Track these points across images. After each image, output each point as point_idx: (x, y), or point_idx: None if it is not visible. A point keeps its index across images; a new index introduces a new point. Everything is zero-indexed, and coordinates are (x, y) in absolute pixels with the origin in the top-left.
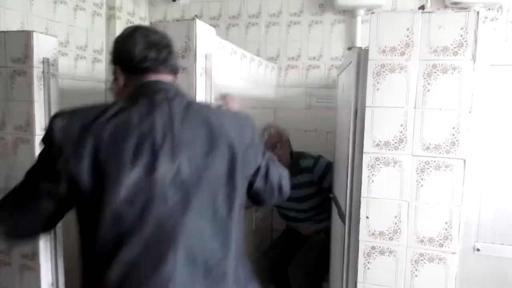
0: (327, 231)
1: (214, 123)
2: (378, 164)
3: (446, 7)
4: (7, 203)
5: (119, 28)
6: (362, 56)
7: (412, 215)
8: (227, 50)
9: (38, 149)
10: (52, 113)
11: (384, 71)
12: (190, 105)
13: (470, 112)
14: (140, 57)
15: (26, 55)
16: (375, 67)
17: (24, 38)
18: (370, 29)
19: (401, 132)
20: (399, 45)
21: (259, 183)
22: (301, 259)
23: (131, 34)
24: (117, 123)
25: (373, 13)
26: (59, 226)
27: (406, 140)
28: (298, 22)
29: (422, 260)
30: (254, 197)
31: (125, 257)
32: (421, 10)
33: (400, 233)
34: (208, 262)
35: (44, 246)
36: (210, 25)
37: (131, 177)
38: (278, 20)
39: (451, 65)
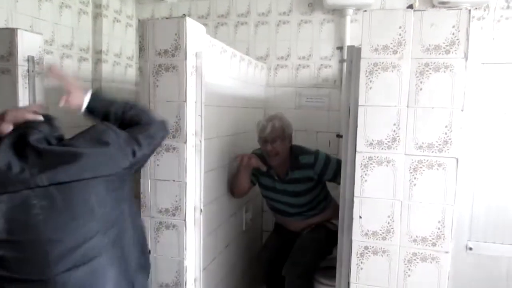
0: (316, 227)
1: None
2: (371, 164)
3: (433, 6)
4: None
5: (105, 27)
6: (354, 55)
7: (405, 215)
8: (217, 49)
9: None
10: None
11: (376, 70)
12: None
13: (462, 110)
14: None
15: (10, 53)
16: (367, 65)
17: (8, 35)
18: (363, 28)
19: (394, 131)
20: (391, 43)
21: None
22: (295, 258)
23: None
24: None
25: (365, 11)
26: None
27: (399, 139)
28: (287, 21)
29: (415, 259)
30: None
31: None
32: (413, 9)
33: (393, 233)
34: None
35: None
36: None
37: None
38: (267, 19)
39: (443, 63)
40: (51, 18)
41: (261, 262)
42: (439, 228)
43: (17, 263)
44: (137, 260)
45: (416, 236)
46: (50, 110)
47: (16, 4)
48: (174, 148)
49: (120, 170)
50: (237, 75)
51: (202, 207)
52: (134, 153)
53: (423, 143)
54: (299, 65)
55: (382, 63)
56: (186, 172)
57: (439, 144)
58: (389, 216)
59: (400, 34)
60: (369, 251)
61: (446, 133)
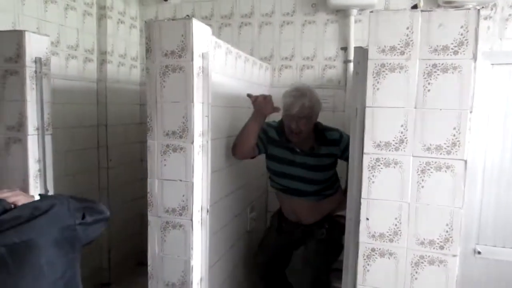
0: (331, 223)
1: None
2: (379, 165)
3: (438, 6)
4: None
5: (110, 28)
6: (361, 56)
7: (412, 217)
8: (222, 50)
9: (31, 148)
10: (46, 113)
11: (384, 71)
12: None
13: (471, 112)
14: None
15: (18, 54)
16: (374, 66)
17: (16, 37)
18: (370, 28)
19: (402, 132)
20: (398, 44)
21: None
22: (308, 269)
23: None
24: None
25: (371, 11)
26: None
27: (407, 140)
28: (291, 22)
29: (422, 262)
30: None
31: None
32: (418, 9)
33: (400, 235)
34: None
35: None
36: None
37: None
38: (271, 20)
39: (452, 64)
40: (57, 20)
41: (258, 265)
42: (447, 231)
43: None
44: None
45: (424, 239)
46: (56, 109)
47: (23, 6)
48: (181, 148)
49: (66, 226)
50: (242, 76)
51: (208, 207)
52: (83, 216)
53: (431, 144)
54: (304, 65)
55: (390, 64)
56: (193, 172)
57: (448, 146)
58: (396, 218)
59: (407, 35)
60: (376, 253)
61: (454, 135)
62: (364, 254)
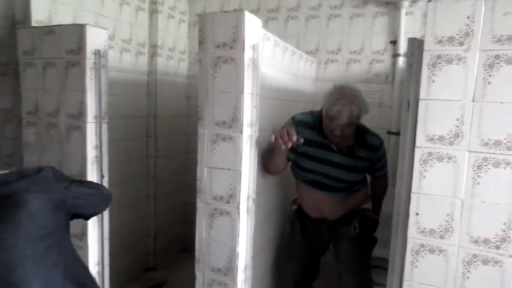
0: (361, 219)
1: None
2: (431, 159)
3: None
4: None
5: (161, 22)
6: (416, 47)
7: (466, 214)
8: (271, 42)
9: (89, 136)
10: (103, 102)
11: (440, 63)
12: None
13: None
14: None
15: (80, 47)
16: (430, 58)
17: (78, 31)
18: (427, 19)
19: (457, 126)
20: (457, 34)
21: None
22: (351, 278)
23: None
24: None
25: (429, 1)
26: (106, 210)
27: (463, 135)
28: (339, 15)
29: (475, 261)
30: None
31: None
32: None
33: (452, 232)
34: None
35: (92, 227)
36: None
37: None
38: (318, 13)
39: None
40: (113, 15)
41: (289, 275)
42: (504, 230)
43: None
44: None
45: (478, 237)
46: (110, 100)
47: (82, 2)
48: (230, 138)
49: (52, 188)
50: (288, 69)
51: (254, 197)
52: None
53: (489, 139)
54: (350, 59)
55: (447, 55)
56: (241, 161)
57: (508, 142)
58: (448, 215)
59: (467, 25)
60: (425, 249)
61: None
62: (412, 250)
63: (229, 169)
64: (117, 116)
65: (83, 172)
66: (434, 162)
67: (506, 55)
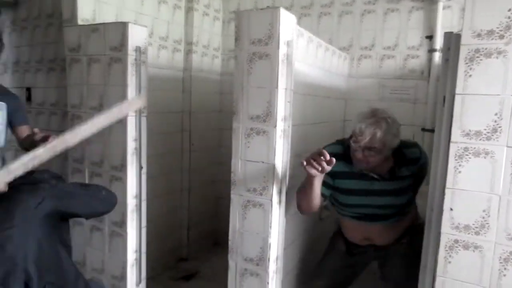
0: (412, 236)
1: None
2: (467, 155)
3: None
4: None
5: (196, 20)
6: (453, 42)
7: (503, 210)
8: (305, 38)
9: (130, 128)
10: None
11: (478, 57)
12: None
13: None
14: None
15: (122, 44)
16: (467, 52)
17: (121, 28)
18: (465, 12)
19: (495, 121)
20: (497, 27)
21: None
22: None
23: None
24: None
25: None
26: (144, 198)
27: (501, 130)
28: (373, 10)
29: None
30: None
31: None
32: None
33: (488, 229)
34: None
35: (131, 216)
36: None
37: None
38: (351, 9)
39: None
40: (151, 13)
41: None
42: None
43: None
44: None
45: None
46: (148, 95)
47: (124, 1)
48: (264, 132)
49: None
50: (321, 65)
51: (287, 190)
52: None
53: None
54: (384, 55)
55: (485, 49)
56: (274, 155)
57: None
58: (484, 211)
59: (509, 17)
60: (459, 245)
61: None
62: (446, 245)
63: (262, 162)
64: (154, 111)
65: (124, 163)
66: (470, 158)
67: None
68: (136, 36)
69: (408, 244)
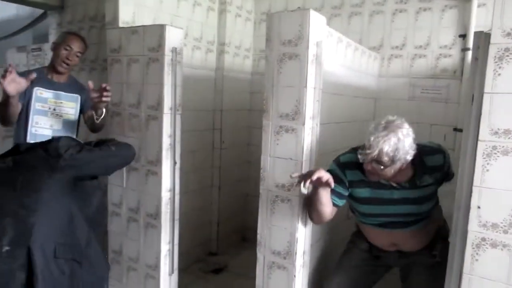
0: (443, 248)
1: None
2: (495, 153)
3: None
4: None
5: (229, 21)
6: (482, 41)
7: None
8: (334, 39)
9: (165, 125)
10: (177, 95)
11: (508, 55)
12: None
13: None
14: None
15: (160, 45)
16: (497, 51)
17: (159, 30)
18: (494, 11)
19: None
20: None
21: None
22: None
23: None
24: None
25: None
26: (177, 192)
27: None
28: (404, 9)
29: None
30: None
31: None
32: None
33: None
34: None
35: (165, 209)
36: None
37: None
38: (382, 9)
39: None
40: (186, 15)
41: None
42: None
43: None
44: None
45: None
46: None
47: (161, 4)
48: (292, 130)
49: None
50: (351, 65)
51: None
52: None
53: None
54: (415, 54)
55: None
56: (303, 152)
57: None
58: None
59: None
60: (487, 243)
61: None
62: (473, 243)
63: (291, 159)
64: (187, 109)
65: (159, 158)
66: (498, 156)
67: None
68: (172, 38)
69: (440, 256)
